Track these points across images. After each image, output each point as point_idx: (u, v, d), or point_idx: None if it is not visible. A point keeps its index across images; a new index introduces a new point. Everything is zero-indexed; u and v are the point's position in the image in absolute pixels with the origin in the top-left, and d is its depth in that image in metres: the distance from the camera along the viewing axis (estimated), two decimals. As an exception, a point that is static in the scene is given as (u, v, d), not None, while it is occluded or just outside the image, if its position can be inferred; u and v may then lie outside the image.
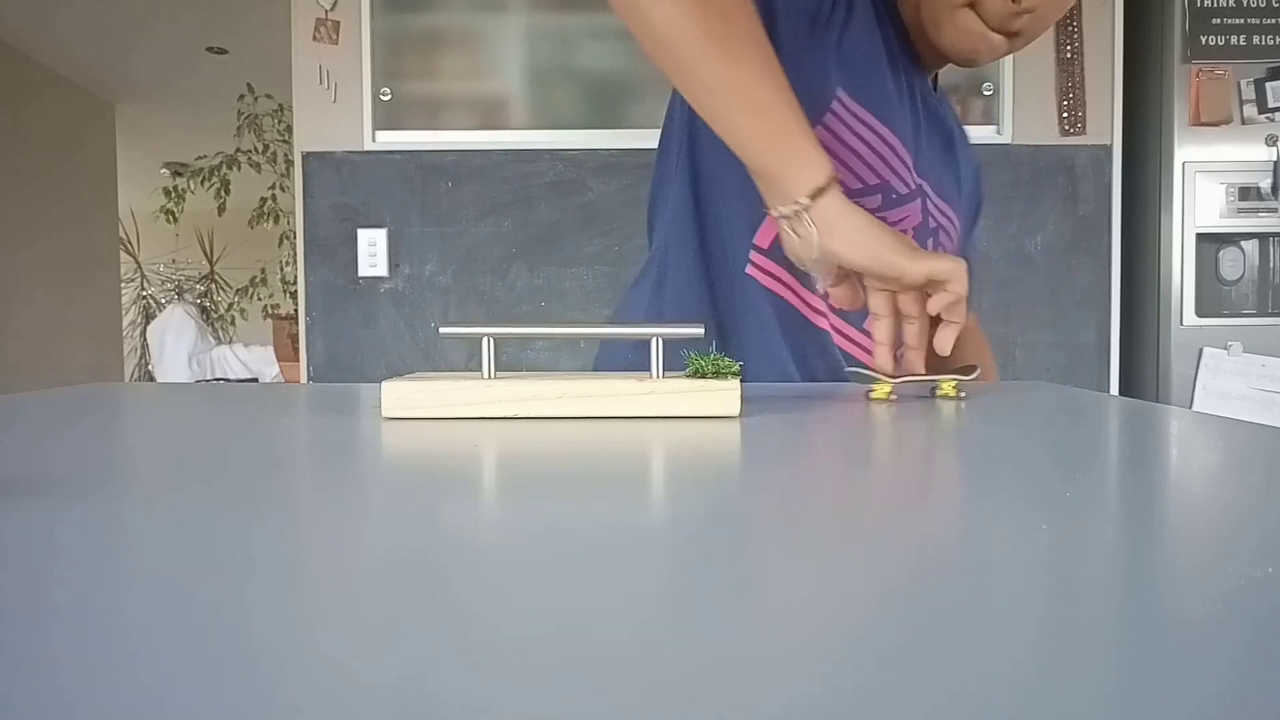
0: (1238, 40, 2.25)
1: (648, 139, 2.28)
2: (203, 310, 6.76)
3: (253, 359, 5.46)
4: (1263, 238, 2.25)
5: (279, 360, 5.21)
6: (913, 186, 0.88)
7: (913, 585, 0.21)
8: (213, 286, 7.23)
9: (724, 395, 0.53)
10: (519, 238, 2.30)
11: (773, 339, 0.87)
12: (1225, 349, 2.23)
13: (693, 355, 0.55)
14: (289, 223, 5.60)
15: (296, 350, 2.43)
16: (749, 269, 0.86)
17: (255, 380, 5.28)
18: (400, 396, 0.53)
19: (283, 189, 5.58)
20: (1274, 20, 2.24)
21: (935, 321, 0.69)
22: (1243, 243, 2.26)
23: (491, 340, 0.55)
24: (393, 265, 2.30)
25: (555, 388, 0.53)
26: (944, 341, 0.67)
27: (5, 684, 0.15)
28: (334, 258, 2.31)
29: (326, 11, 2.28)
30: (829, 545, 0.25)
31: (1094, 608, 0.19)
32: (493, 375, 0.55)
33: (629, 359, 0.87)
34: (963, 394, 0.67)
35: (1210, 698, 0.14)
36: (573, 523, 0.27)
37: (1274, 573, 0.22)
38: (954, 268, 0.65)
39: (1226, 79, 2.24)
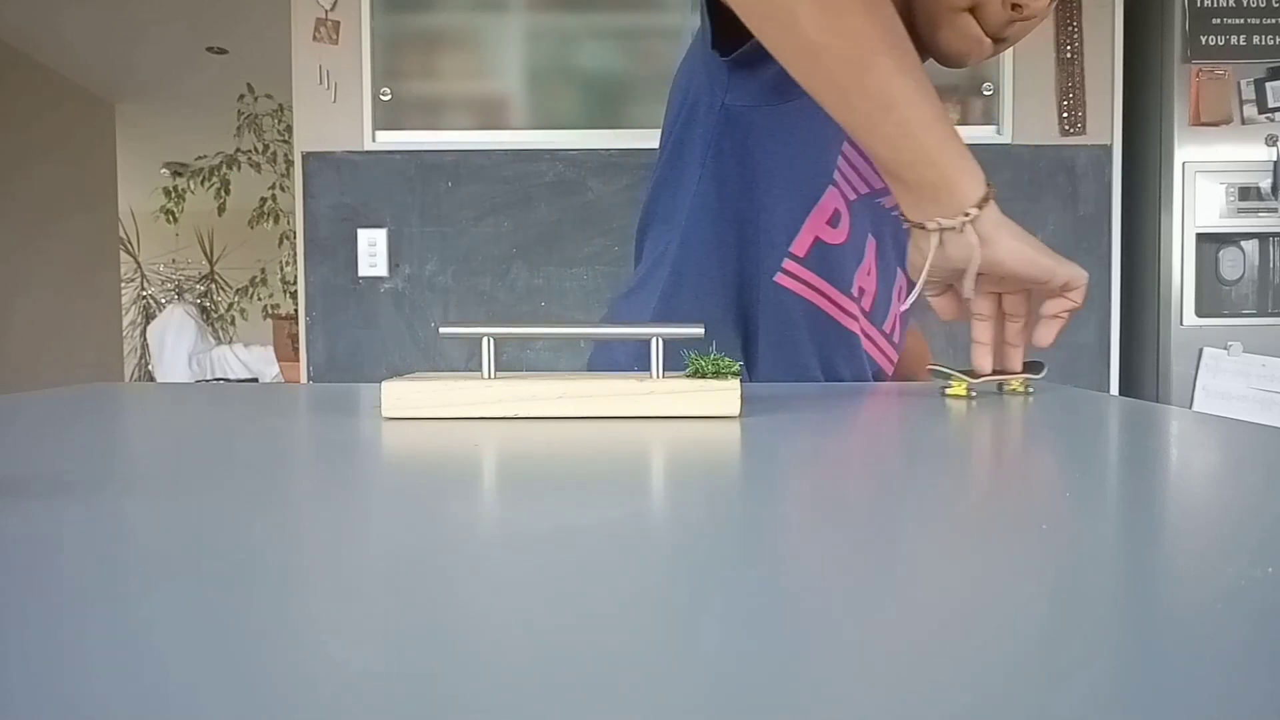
0: (1238, 40, 2.25)
1: (647, 139, 2.29)
2: (203, 310, 6.75)
3: (253, 359, 5.46)
4: (1263, 238, 2.25)
5: (279, 360, 5.21)
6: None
7: (910, 584, 0.21)
8: (213, 286, 7.23)
9: (724, 395, 0.53)
10: (519, 238, 2.30)
11: (798, 345, 0.87)
12: (1225, 349, 2.23)
13: (693, 355, 0.55)
14: (289, 223, 5.60)
15: (296, 350, 2.43)
16: (779, 277, 0.86)
17: (255, 380, 5.28)
18: (400, 397, 0.53)
19: (283, 189, 5.58)
20: (1274, 20, 2.24)
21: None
22: (1243, 243, 2.26)
23: (491, 340, 0.55)
24: (393, 265, 2.31)
25: (555, 388, 0.53)
26: (1048, 335, 0.69)
27: (6, 683, 0.15)
28: (334, 258, 2.31)
29: (326, 11, 2.28)
30: (824, 543, 0.25)
31: (1094, 607, 0.19)
32: (493, 375, 0.55)
33: (627, 367, 0.86)
34: (1030, 390, 0.70)
35: (1211, 697, 0.14)
36: (571, 522, 0.27)
37: (1274, 572, 0.22)
38: (1083, 275, 0.67)
39: (1226, 79, 2.24)
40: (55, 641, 0.17)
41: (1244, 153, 2.23)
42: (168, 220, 6.70)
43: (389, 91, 2.30)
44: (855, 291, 0.89)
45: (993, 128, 2.29)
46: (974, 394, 0.68)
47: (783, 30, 0.62)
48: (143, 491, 0.32)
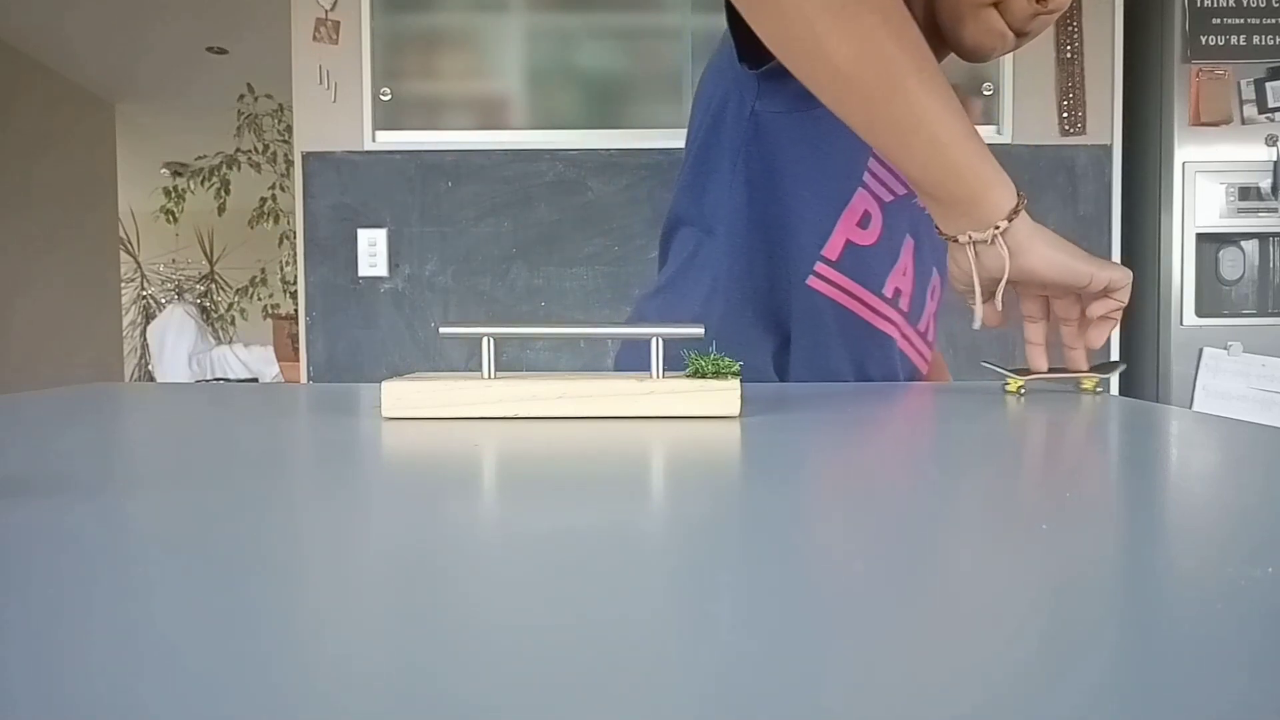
0: (1238, 40, 2.25)
1: (647, 139, 2.29)
2: (203, 310, 6.76)
3: (253, 359, 5.46)
4: (1263, 238, 2.25)
5: (279, 360, 5.22)
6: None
7: (906, 585, 0.21)
8: (213, 286, 7.23)
9: (724, 395, 0.53)
10: (519, 238, 2.30)
11: (830, 349, 0.88)
12: (1225, 349, 2.24)
13: (693, 355, 0.55)
14: (289, 223, 5.60)
15: (296, 350, 2.43)
16: (811, 280, 0.86)
17: (255, 380, 5.28)
18: (400, 396, 0.53)
19: (283, 189, 5.58)
20: (1274, 20, 2.24)
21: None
22: (1243, 243, 2.26)
23: (491, 340, 0.55)
24: (393, 265, 2.31)
25: (555, 388, 0.53)
26: (1099, 338, 0.70)
27: (6, 681, 0.15)
28: (334, 257, 2.31)
29: (326, 11, 2.28)
30: (819, 543, 0.25)
31: (1093, 608, 0.19)
32: (493, 375, 0.55)
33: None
34: (1100, 389, 0.71)
35: (1210, 697, 0.14)
36: (569, 521, 0.27)
37: (1274, 572, 0.22)
38: (1126, 274, 0.67)
39: (1226, 79, 2.24)
40: (55, 639, 0.17)
41: (1244, 153, 2.23)
42: (168, 220, 6.70)
43: (389, 91, 2.30)
44: (890, 293, 0.89)
45: (993, 127, 2.29)
46: (1023, 391, 0.70)
47: (810, 59, 0.63)
48: (141, 491, 0.32)
